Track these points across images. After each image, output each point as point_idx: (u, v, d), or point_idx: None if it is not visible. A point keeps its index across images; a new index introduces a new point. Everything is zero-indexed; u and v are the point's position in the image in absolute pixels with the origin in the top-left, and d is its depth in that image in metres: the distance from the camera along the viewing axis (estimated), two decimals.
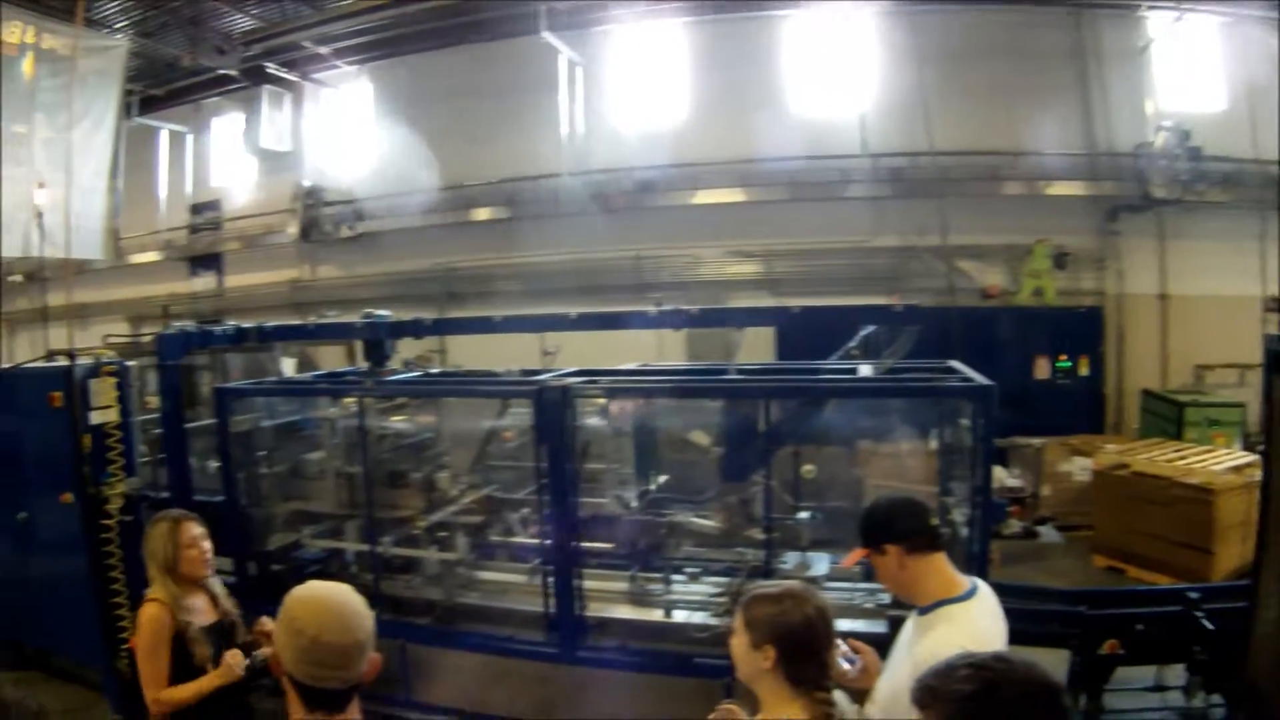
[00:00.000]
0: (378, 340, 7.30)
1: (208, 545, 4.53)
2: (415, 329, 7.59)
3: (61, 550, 7.98)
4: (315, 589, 2.66)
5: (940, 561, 3.30)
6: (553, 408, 5.73)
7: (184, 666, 4.31)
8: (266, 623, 4.32)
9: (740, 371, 6.23)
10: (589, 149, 14.67)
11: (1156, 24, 13.08)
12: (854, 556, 3.56)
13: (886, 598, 5.23)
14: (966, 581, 3.29)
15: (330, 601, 2.61)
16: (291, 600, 2.61)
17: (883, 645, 3.55)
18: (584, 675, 5.88)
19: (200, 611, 4.51)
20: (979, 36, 13.13)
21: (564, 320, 6.77)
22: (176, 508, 4.68)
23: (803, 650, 2.86)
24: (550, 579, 5.96)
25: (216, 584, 4.65)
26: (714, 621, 5.59)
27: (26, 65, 12.60)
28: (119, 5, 14.42)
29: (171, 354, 7.59)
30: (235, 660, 4.34)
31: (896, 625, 4.69)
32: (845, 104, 13.32)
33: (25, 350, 21.26)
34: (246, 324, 8.11)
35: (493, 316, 7.07)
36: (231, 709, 4.54)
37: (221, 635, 4.50)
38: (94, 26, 13.22)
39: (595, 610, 5.97)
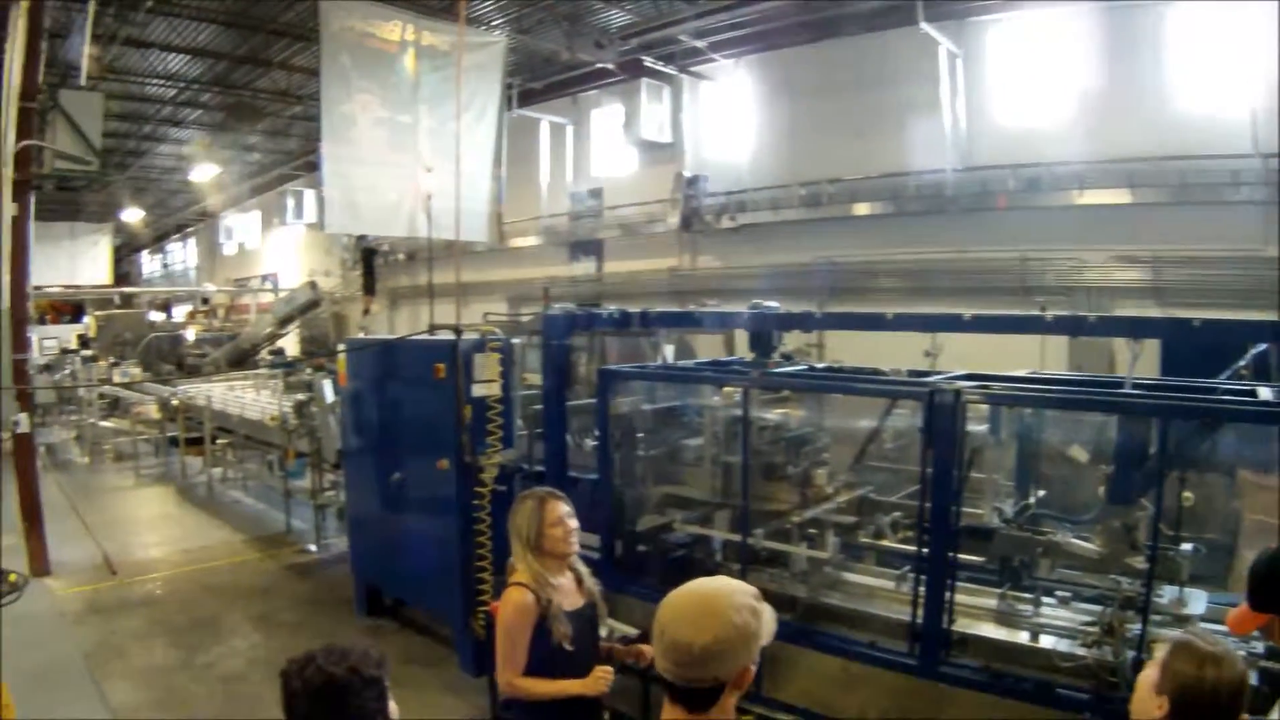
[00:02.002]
0: (764, 331, 7.99)
1: (574, 524, 4.85)
2: (803, 321, 8.42)
3: (433, 512, 9.00)
4: (695, 585, 2.74)
5: None
6: (943, 412, 6.05)
7: (542, 644, 4.57)
8: (641, 650, 4.81)
9: (1136, 386, 6.38)
10: (971, 144, 14.87)
11: None
12: (1246, 621, 3.57)
13: (1259, 645, 5.15)
14: None
15: (695, 600, 2.64)
16: (671, 592, 2.72)
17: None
18: (939, 692, 6.11)
19: (566, 591, 4.77)
20: None
21: (956, 321, 7.04)
22: (549, 483, 4.85)
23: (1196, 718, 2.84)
24: (920, 588, 6.27)
25: (580, 564, 4.96)
26: (1081, 651, 5.70)
27: (409, 61, 14.44)
28: (496, 3, 16.87)
29: (556, 334, 8.53)
30: (604, 675, 4.61)
31: (1270, 678, 4.95)
32: (1235, 99, 12.26)
33: (405, 324, 22.72)
34: (630, 309, 9.20)
35: (884, 313, 7.39)
36: (583, 710, 4.77)
37: (584, 620, 4.80)
38: (472, 24, 15.01)
39: (959, 625, 6.27)
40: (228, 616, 10.67)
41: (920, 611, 6.16)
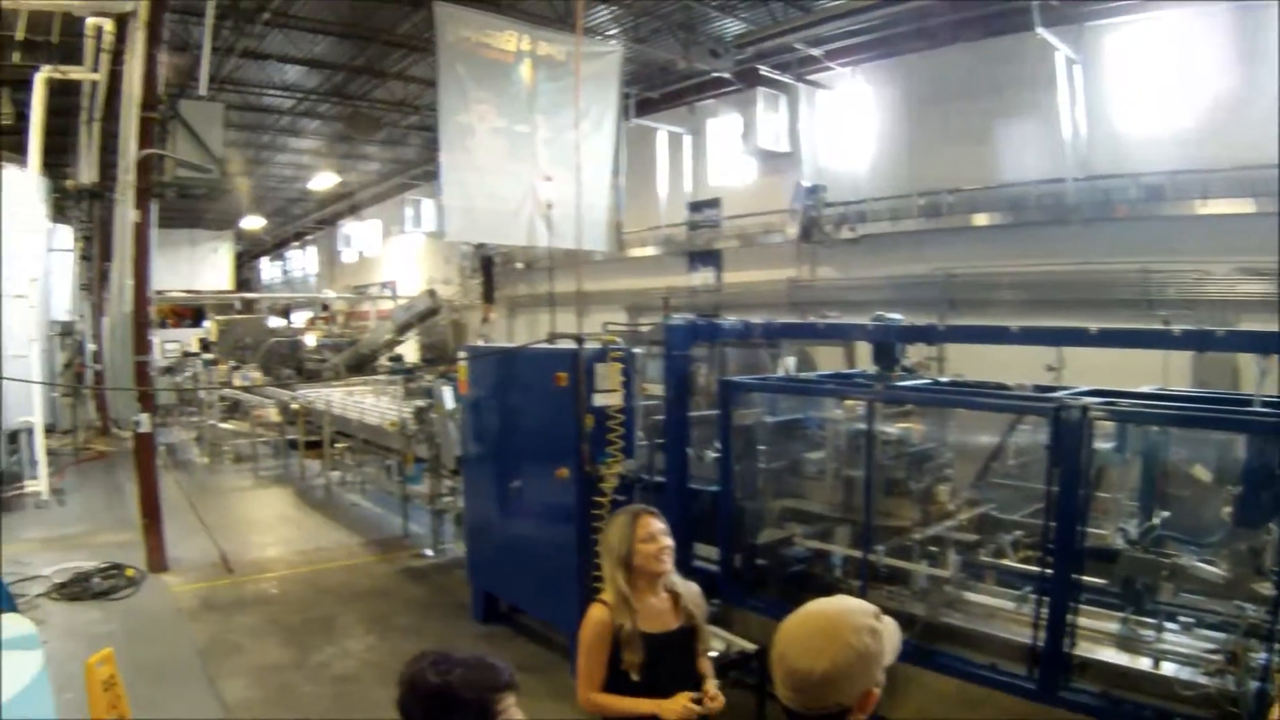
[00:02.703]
0: (887, 344, 7.95)
1: (668, 542, 4.70)
2: (926, 334, 8.32)
3: (551, 520, 9.01)
4: (815, 606, 2.61)
5: None
6: (1069, 428, 5.96)
7: (614, 666, 4.53)
8: (716, 694, 4.57)
9: (1265, 404, 6.29)
10: (1090, 152, 14.62)
11: None
12: None
13: None
14: None
15: (814, 624, 2.54)
16: (792, 614, 2.61)
17: None
18: (1057, 718, 6.01)
19: (656, 613, 4.66)
20: None
21: (1081, 335, 7.05)
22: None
23: None
24: (1041, 610, 6.21)
25: (681, 584, 4.81)
26: (1203, 680, 5.57)
27: (525, 70, 14.79)
28: (611, 13, 17.23)
29: (679, 344, 8.57)
30: (680, 705, 4.40)
31: None
32: None
33: (524, 332, 23.04)
34: (751, 320, 8.36)
35: (1008, 326, 7.40)
36: None
37: (673, 644, 4.66)
38: (588, 34, 15.06)
39: (1079, 649, 6.17)
40: (342, 618, 10.83)
41: (1041, 634, 6.11)
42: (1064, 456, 5.90)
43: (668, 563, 4.68)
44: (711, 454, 8.65)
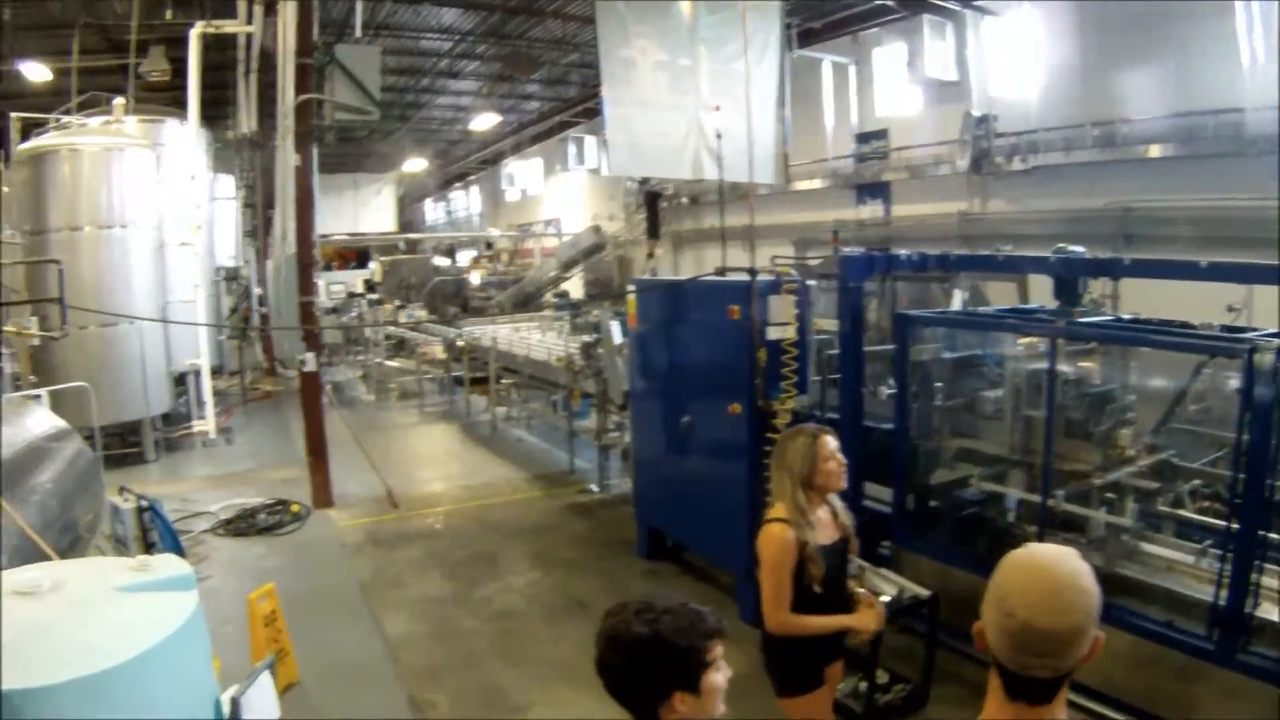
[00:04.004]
0: (1070, 278, 7.58)
1: (844, 459, 4.88)
2: (1111, 268, 7.86)
3: (721, 456, 8.93)
4: (1033, 560, 2.39)
5: None
6: (1263, 372, 5.60)
7: (795, 582, 4.64)
8: (869, 597, 4.90)
9: None
10: (1269, 81, 13.26)
11: None
12: None
13: None
14: None
15: (1048, 578, 2.30)
16: (1004, 571, 2.39)
17: None
18: (1235, 683, 5.70)
19: (823, 526, 4.83)
20: None
21: (1276, 272, 6.49)
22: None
23: None
24: (1224, 566, 5.90)
25: (835, 499, 4.98)
26: None
27: (685, 3, 14.28)
28: None
29: (854, 276, 8.41)
30: (874, 614, 4.77)
31: None
32: None
33: (690, 268, 23.08)
34: (926, 253, 8.13)
35: (1196, 261, 6.86)
36: (829, 650, 4.91)
37: (837, 554, 4.85)
38: None
39: (1263, 610, 5.87)
40: (506, 552, 11.03)
41: (1222, 592, 5.82)
42: (1256, 401, 5.59)
43: (845, 479, 4.87)
44: (885, 390, 8.57)
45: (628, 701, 2.76)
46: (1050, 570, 2.32)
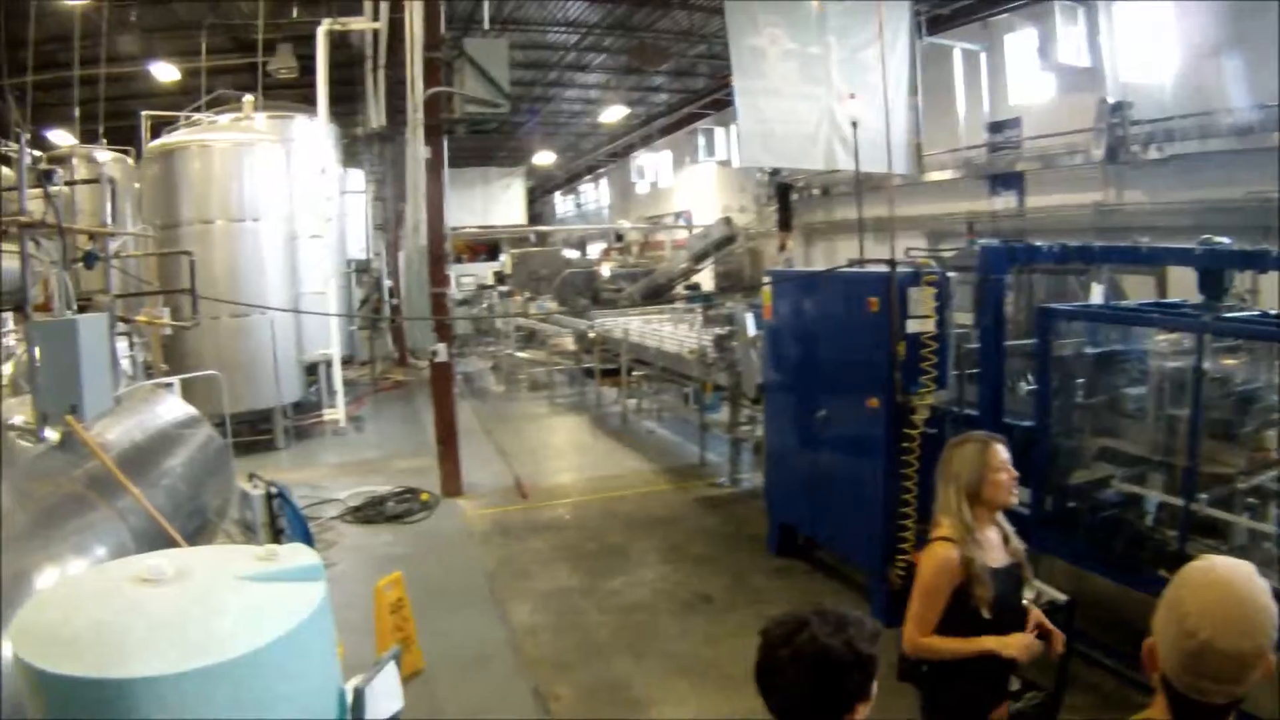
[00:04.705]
0: (1216, 271, 7.27)
1: (1015, 472, 4.44)
2: (1262, 260, 7.51)
3: (857, 452, 8.74)
4: (1215, 575, 2.22)
5: None
6: None
7: (961, 606, 4.24)
8: (1040, 616, 4.42)
9: None
10: None
11: None
12: None
13: None
14: None
15: (1233, 596, 2.15)
16: (1183, 585, 2.23)
17: None
18: None
19: (992, 547, 4.39)
20: None
21: None
22: (983, 429, 4.45)
23: None
24: None
25: (1005, 522, 4.55)
26: None
27: None
28: None
29: (995, 268, 8.10)
30: (1024, 642, 4.19)
31: None
32: None
33: (821, 260, 22.84)
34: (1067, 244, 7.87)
35: None
36: (994, 673, 4.36)
37: (1011, 580, 4.42)
38: None
39: None
40: (634, 545, 11.01)
41: None
42: None
43: (1016, 494, 4.47)
44: (1022, 386, 8.31)
45: (804, 718, 2.67)
46: (1235, 588, 2.17)
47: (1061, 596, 6.55)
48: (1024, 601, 4.59)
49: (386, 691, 2.63)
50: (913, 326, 7.87)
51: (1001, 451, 4.41)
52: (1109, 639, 6.77)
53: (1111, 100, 16.83)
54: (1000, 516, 4.51)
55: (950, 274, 8.95)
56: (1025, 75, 19.43)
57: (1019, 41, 19.51)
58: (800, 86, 13.94)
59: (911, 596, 4.39)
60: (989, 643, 4.18)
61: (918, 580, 4.37)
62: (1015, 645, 4.16)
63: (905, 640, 4.35)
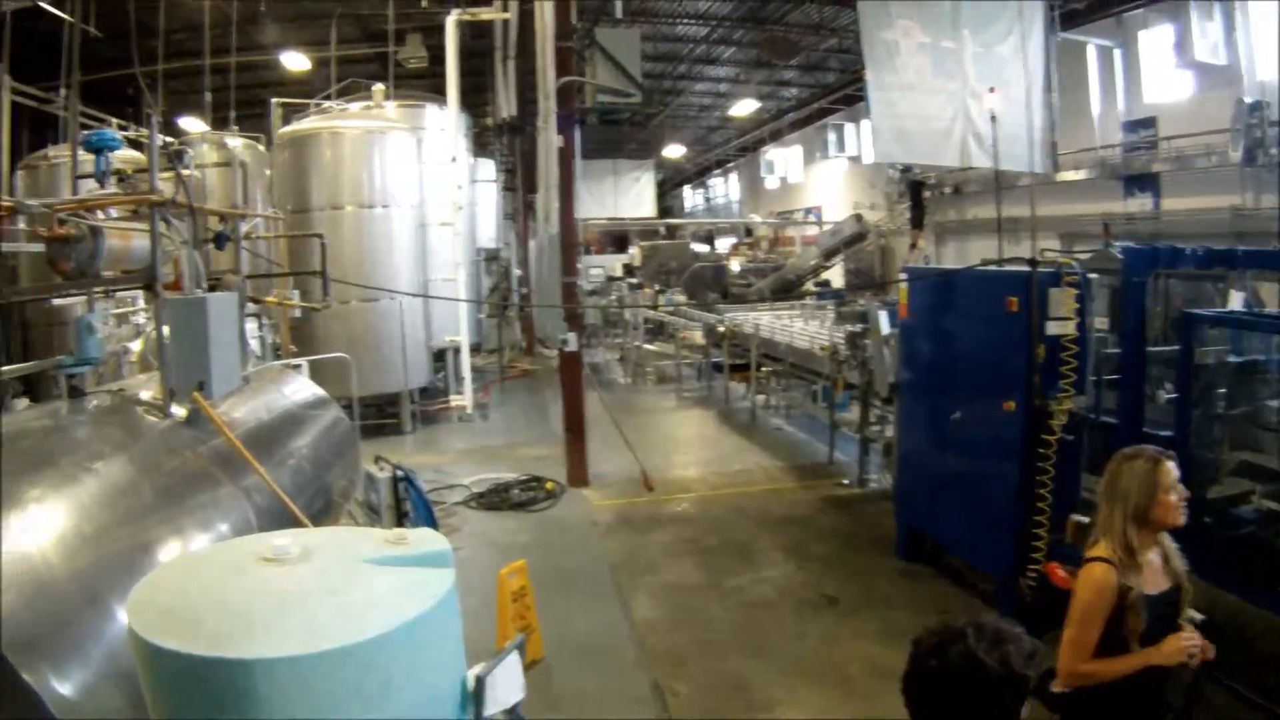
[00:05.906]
0: None
1: (1186, 491, 4.24)
2: None
3: (991, 456, 8.51)
4: None
5: None
6: None
7: (1111, 632, 4.05)
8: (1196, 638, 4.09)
9: None
10: None
11: None
12: None
13: None
14: None
15: None
16: None
17: None
18: None
19: (1152, 570, 4.19)
20: None
21: None
22: (1121, 438, 4.26)
23: None
24: None
25: (1168, 539, 4.32)
26: None
27: None
28: None
29: (1138, 270, 7.98)
30: (1182, 646, 3.99)
31: None
32: None
33: (952, 259, 22.57)
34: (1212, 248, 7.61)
35: None
36: (1149, 700, 4.18)
37: (1168, 605, 4.19)
38: None
39: None
40: (758, 542, 10.93)
41: None
42: None
43: (1185, 515, 4.24)
44: (1162, 395, 8.05)
45: None
46: None
47: (1198, 615, 6.33)
48: (1180, 622, 4.31)
49: (508, 682, 2.60)
50: (1052, 329, 7.64)
51: (1173, 470, 4.20)
52: (1238, 661, 6.53)
53: (1249, 100, 16.23)
54: (1164, 534, 4.30)
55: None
56: (1161, 73, 18.88)
57: (1154, 38, 18.95)
58: (934, 81, 13.72)
59: (1068, 621, 4.18)
60: (1146, 657, 4.00)
61: (1074, 603, 4.17)
62: (1168, 653, 3.98)
63: (1061, 668, 4.12)
